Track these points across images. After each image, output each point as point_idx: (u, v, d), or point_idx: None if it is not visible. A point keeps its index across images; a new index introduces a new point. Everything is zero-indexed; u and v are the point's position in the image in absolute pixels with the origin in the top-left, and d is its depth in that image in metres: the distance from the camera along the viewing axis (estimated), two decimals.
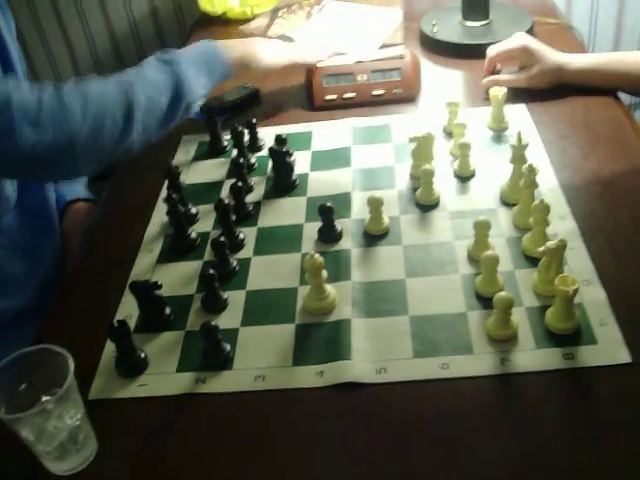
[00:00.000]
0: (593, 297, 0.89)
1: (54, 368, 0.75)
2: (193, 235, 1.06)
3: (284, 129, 1.29)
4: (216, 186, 1.18)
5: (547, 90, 1.29)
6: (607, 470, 0.72)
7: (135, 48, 2.10)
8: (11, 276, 1.16)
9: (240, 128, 1.19)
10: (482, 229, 0.96)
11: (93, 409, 0.78)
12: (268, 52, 1.29)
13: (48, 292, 1.13)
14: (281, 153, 1.13)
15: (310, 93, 1.37)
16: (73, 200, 1.34)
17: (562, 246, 0.88)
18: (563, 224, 1.01)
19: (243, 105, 1.39)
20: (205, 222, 1.10)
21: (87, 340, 0.91)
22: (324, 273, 0.92)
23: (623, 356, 0.82)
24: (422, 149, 1.12)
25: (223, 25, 1.77)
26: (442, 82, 1.42)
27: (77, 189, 1.37)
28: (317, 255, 0.90)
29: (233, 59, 1.21)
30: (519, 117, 1.25)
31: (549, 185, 1.08)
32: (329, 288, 0.94)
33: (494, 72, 1.35)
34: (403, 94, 1.34)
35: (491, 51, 1.33)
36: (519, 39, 1.30)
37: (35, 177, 1.08)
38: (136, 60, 2.04)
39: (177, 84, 1.09)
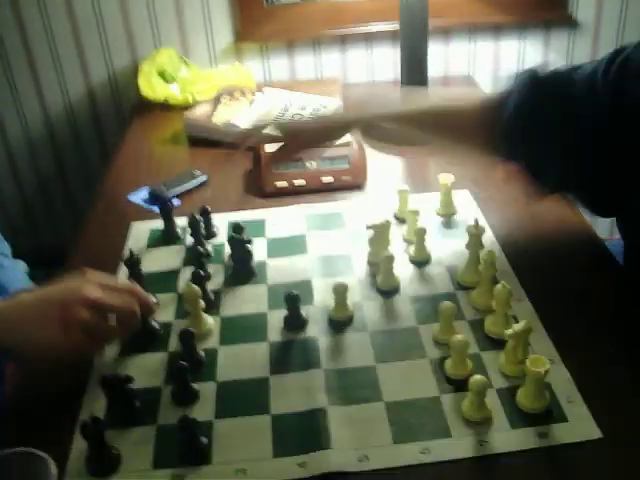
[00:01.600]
0: (558, 375, 0.92)
1: (31, 472, 0.71)
2: (156, 325, 1.04)
3: (235, 216, 1.30)
4: (173, 275, 1.17)
5: (487, 176, 1.35)
6: None
7: (70, 131, 2.09)
8: None
9: (196, 216, 1.19)
10: (447, 313, 0.98)
11: None
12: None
13: None
14: (241, 241, 1.13)
15: (259, 180, 1.39)
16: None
17: (528, 329, 0.91)
18: (520, 306, 1.04)
19: (191, 191, 1.40)
20: (166, 311, 1.09)
21: (51, 437, 0.87)
22: (201, 302, 1.02)
23: (593, 432, 0.84)
24: (379, 236, 1.15)
25: (164, 111, 1.78)
26: (386, 169, 1.46)
27: (18, 276, 1.33)
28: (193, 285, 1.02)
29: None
30: (465, 202, 1.30)
31: (501, 267, 1.11)
32: (206, 316, 1.04)
33: None
34: (352, 181, 1.37)
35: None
36: None
37: None
38: (72, 145, 2.08)
39: None
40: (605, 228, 2.27)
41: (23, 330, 0.91)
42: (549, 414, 0.87)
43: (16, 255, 1.41)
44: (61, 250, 1.32)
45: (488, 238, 1.18)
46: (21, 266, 1.35)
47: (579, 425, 0.86)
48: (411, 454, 0.84)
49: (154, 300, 1.08)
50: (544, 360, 0.86)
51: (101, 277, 0.97)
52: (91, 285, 0.93)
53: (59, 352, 0.91)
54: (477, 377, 0.86)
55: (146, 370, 0.98)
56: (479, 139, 1.11)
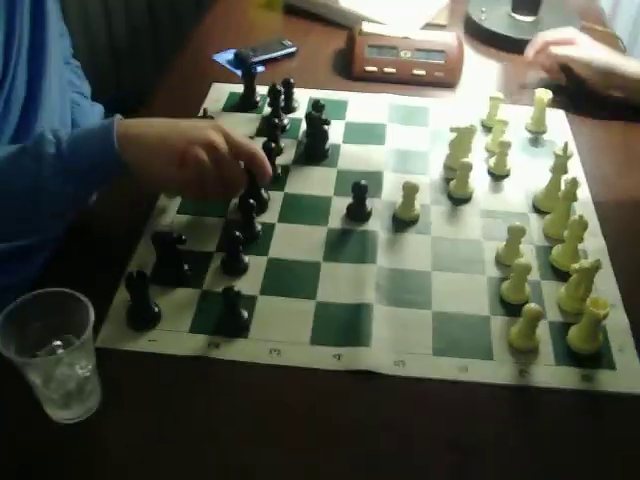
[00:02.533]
0: (615, 321, 0.88)
1: (70, 313, 0.72)
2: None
3: (319, 93, 1.26)
4: None
5: (588, 100, 1.27)
6: None
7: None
8: None
9: (278, 86, 1.15)
10: (516, 235, 0.94)
11: (97, 358, 0.75)
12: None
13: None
14: (318, 120, 1.09)
15: (350, 61, 1.33)
16: None
17: (596, 267, 0.87)
18: (593, 241, 0.99)
19: (278, 60, 1.35)
20: None
21: (97, 284, 0.87)
22: None
23: (639, 386, 0.81)
24: (461, 141, 1.09)
25: None
26: (483, 72, 1.39)
27: (93, 119, 1.32)
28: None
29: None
30: (558, 123, 1.23)
31: (582, 199, 1.05)
32: None
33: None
34: (444, 79, 1.31)
35: (542, 36, 1.31)
36: (571, 32, 1.29)
37: None
38: (147, 15, 2.02)
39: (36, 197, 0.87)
40: None
41: (143, 154, 0.89)
42: (598, 358, 0.84)
43: (95, 98, 1.40)
44: (141, 98, 1.30)
45: (574, 165, 1.12)
46: (97, 110, 1.34)
47: (626, 376, 0.82)
48: (448, 369, 0.82)
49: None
50: (605, 302, 0.82)
51: (229, 130, 0.92)
52: (217, 132, 0.90)
53: (169, 185, 0.93)
54: (532, 305, 0.83)
55: (201, 233, 0.97)
56: None
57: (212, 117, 1.05)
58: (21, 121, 1.04)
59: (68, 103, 1.22)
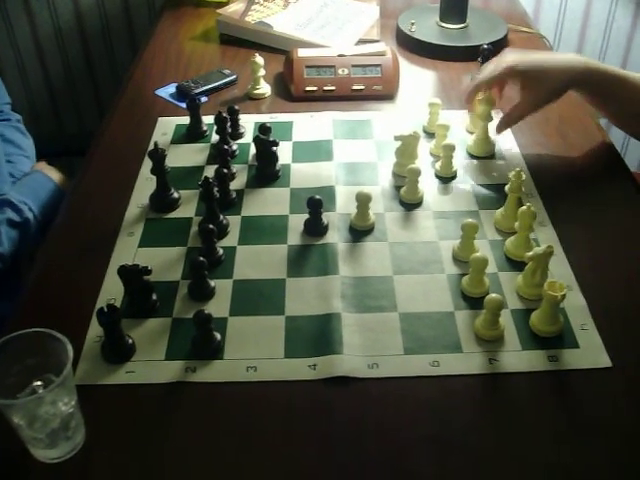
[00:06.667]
0: (574, 303, 0.92)
1: (48, 352, 0.73)
2: (175, 195, 1.09)
3: (263, 117, 1.29)
4: (197, 171, 1.16)
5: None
6: (586, 466, 0.75)
7: (100, 22, 2.05)
8: None
9: (224, 114, 1.18)
10: (470, 231, 0.97)
11: (77, 395, 0.76)
12: None
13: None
14: (267, 142, 1.12)
15: (290, 83, 1.36)
16: None
17: (549, 252, 0.90)
18: (542, 230, 1.03)
19: (219, 90, 1.38)
20: (187, 207, 1.09)
21: (68, 323, 0.87)
22: None
23: (603, 360, 0.85)
24: (407, 148, 1.13)
25: (196, 7, 1.74)
26: (419, 81, 1.43)
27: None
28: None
29: None
30: (496, 121, 1.27)
31: (528, 190, 1.10)
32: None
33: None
34: (383, 91, 1.35)
35: (476, 80, 1.17)
36: (504, 60, 1.14)
37: None
38: (100, 37, 2.04)
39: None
40: (635, 161, 2.23)
41: None
42: (561, 339, 0.88)
43: (40, 144, 1.42)
44: (85, 140, 1.31)
45: (516, 159, 1.17)
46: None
47: (590, 352, 0.86)
48: (421, 365, 0.84)
49: (176, 196, 1.08)
50: (562, 285, 0.86)
51: None
52: None
53: None
54: (493, 295, 0.86)
55: (165, 263, 0.99)
56: None
57: (163, 150, 1.06)
58: None
59: (2, 156, 1.25)
